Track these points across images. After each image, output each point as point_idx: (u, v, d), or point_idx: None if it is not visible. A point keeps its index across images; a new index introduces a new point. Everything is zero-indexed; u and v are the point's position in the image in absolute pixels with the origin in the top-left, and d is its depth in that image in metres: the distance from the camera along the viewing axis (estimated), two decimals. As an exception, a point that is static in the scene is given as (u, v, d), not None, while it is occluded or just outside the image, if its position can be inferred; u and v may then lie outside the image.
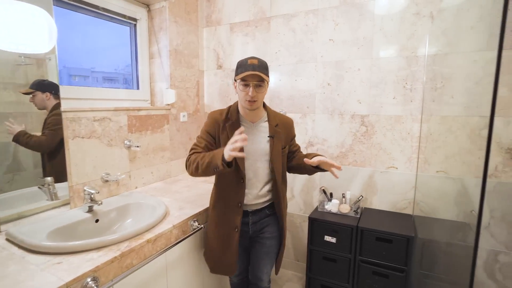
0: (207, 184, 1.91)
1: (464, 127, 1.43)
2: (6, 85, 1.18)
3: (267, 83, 1.22)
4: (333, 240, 1.71)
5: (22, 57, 1.21)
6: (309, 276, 1.81)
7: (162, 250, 1.17)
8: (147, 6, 1.98)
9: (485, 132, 1.22)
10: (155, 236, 1.16)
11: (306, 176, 2.05)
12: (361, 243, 1.63)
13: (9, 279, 0.85)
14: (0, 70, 1.15)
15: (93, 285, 0.89)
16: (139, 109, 1.76)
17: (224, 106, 2.40)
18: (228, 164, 1.08)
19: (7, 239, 1.07)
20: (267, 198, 1.32)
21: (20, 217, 1.21)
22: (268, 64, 2.12)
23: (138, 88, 2.00)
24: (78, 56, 1.69)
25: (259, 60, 1.18)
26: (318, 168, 1.26)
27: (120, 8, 1.80)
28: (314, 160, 1.20)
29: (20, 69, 1.22)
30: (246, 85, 1.16)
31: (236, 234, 1.27)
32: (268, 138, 1.28)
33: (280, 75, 2.06)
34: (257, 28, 2.09)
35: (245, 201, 1.28)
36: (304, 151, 2.12)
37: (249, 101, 1.18)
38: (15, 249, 1.02)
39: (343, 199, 1.90)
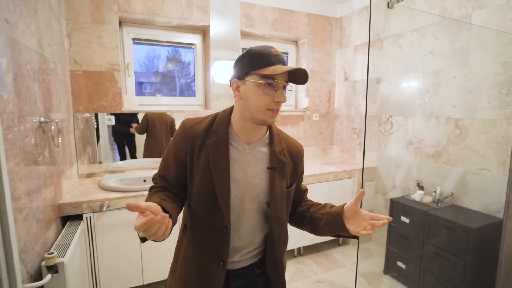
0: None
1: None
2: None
3: None
4: (407, 220, 2.05)
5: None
6: (388, 248, 2.22)
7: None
8: (295, 42, 3.01)
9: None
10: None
11: (405, 170, 2.39)
12: (429, 228, 1.91)
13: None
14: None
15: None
16: (282, 111, 2.83)
17: (349, 111, 3.03)
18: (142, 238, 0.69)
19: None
20: (258, 251, 0.93)
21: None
22: (379, 76, 2.63)
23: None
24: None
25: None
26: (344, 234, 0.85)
27: (278, 46, 2.93)
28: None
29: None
30: (271, 86, 0.77)
31: None
32: (268, 170, 0.87)
33: (389, 84, 2.49)
34: (373, 47, 2.61)
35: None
36: (404, 150, 2.40)
37: (271, 110, 0.79)
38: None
39: (434, 193, 2.12)
